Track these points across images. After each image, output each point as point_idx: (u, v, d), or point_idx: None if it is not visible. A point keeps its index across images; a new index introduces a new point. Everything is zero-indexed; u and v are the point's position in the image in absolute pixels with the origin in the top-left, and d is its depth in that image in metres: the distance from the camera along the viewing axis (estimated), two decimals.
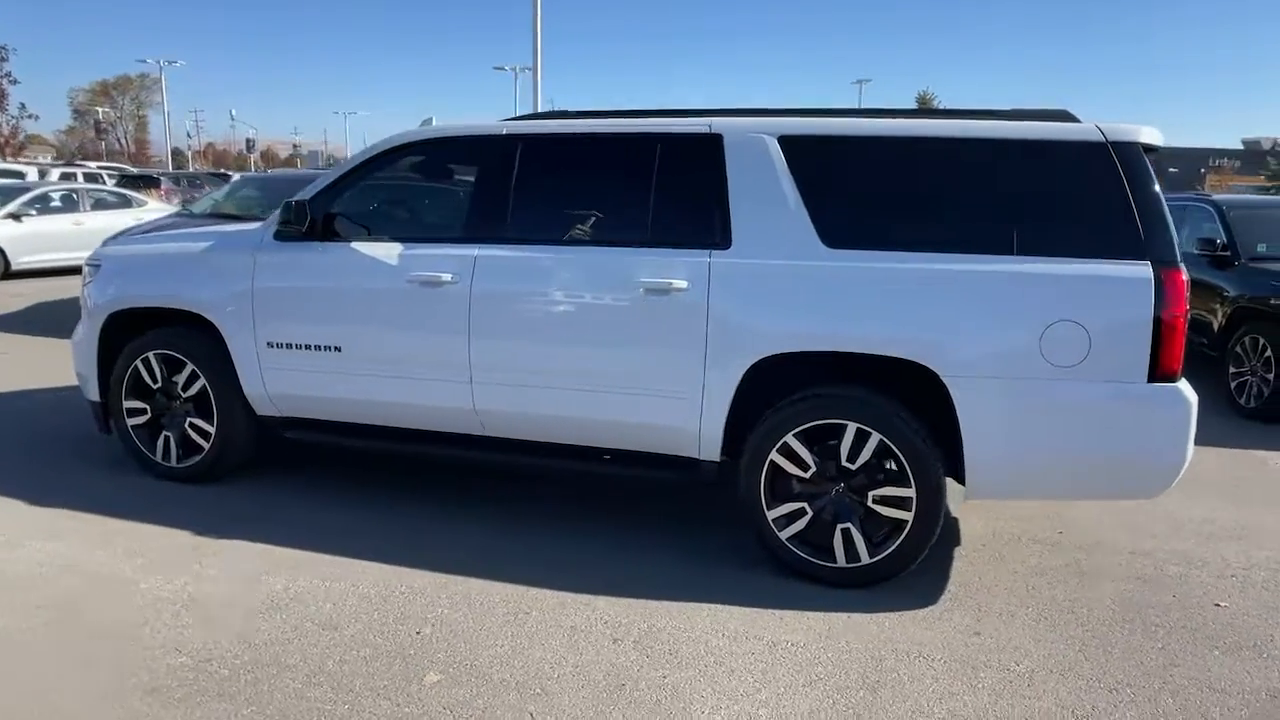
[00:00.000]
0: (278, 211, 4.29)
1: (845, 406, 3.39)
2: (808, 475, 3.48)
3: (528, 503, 4.35)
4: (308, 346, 4.12)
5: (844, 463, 3.42)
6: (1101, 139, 3.22)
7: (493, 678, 2.82)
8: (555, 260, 3.75)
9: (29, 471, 4.61)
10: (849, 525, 3.45)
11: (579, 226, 3.83)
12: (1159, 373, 3.10)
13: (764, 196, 3.51)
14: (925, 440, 3.32)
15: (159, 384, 4.46)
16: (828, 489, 3.48)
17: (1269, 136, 43.18)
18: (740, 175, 3.55)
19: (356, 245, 4.04)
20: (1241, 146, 40.69)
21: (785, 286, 3.44)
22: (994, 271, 3.23)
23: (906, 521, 3.38)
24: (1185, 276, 3.11)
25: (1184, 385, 3.13)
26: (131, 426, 4.53)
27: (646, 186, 3.70)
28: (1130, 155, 3.20)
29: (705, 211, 3.58)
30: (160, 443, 4.50)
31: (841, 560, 3.47)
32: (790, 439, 3.46)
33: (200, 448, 4.43)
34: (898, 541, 3.40)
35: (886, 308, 3.33)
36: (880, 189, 3.46)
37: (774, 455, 3.49)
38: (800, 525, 3.52)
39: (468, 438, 4.07)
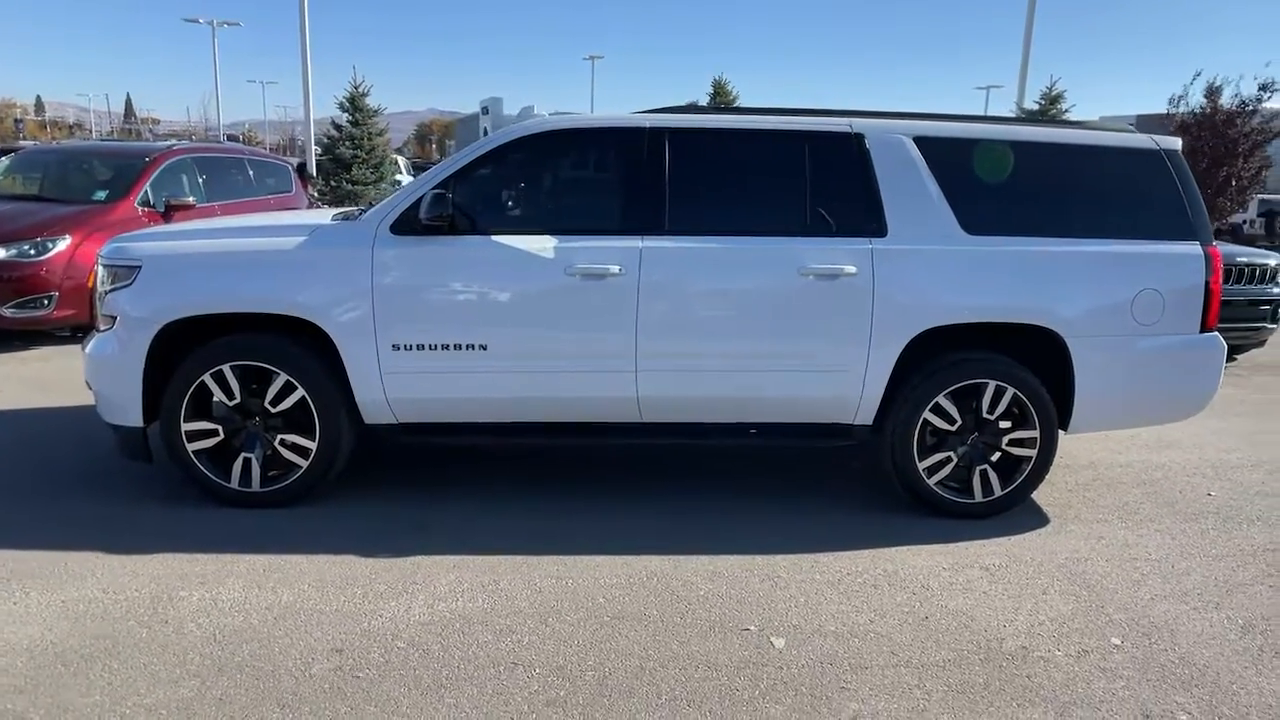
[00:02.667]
0: (389, 201, 4.00)
1: (987, 367, 4.05)
2: (954, 429, 4.10)
3: (650, 484, 4.53)
4: (445, 347, 3.93)
5: (984, 415, 4.09)
6: (1156, 147, 4.17)
7: (825, 630, 3.12)
8: (723, 250, 3.96)
9: (95, 513, 3.90)
10: (985, 467, 4.14)
11: (737, 217, 4.06)
12: (1206, 326, 4.12)
13: (910, 189, 4.03)
14: (1045, 390, 4.08)
15: (235, 400, 3.95)
16: (967, 438, 4.13)
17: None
18: (886, 170, 4.03)
19: (502, 238, 3.91)
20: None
21: (938, 268, 4.00)
22: (1098, 252, 4.05)
23: (1030, 458, 4.13)
24: (1219, 252, 4.15)
25: (1218, 334, 4.19)
26: (195, 452, 3.97)
27: (800, 179, 4.04)
28: (1176, 159, 4.17)
29: (859, 202, 4.02)
30: (237, 466, 3.99)
31: (979, 496, 4.15)
32: (941, 399, 4.05)
33: (294, 467, 4.02)
34: (1022, 477, 4.16)
35: (1019, 283, 4.02)
36: (1003, 183, 4.12)
37: (927, 414, 4.06)
38: (946, 471, 4.14)
39: (606, 425, 4.14)
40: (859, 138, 4.07)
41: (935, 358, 4.05)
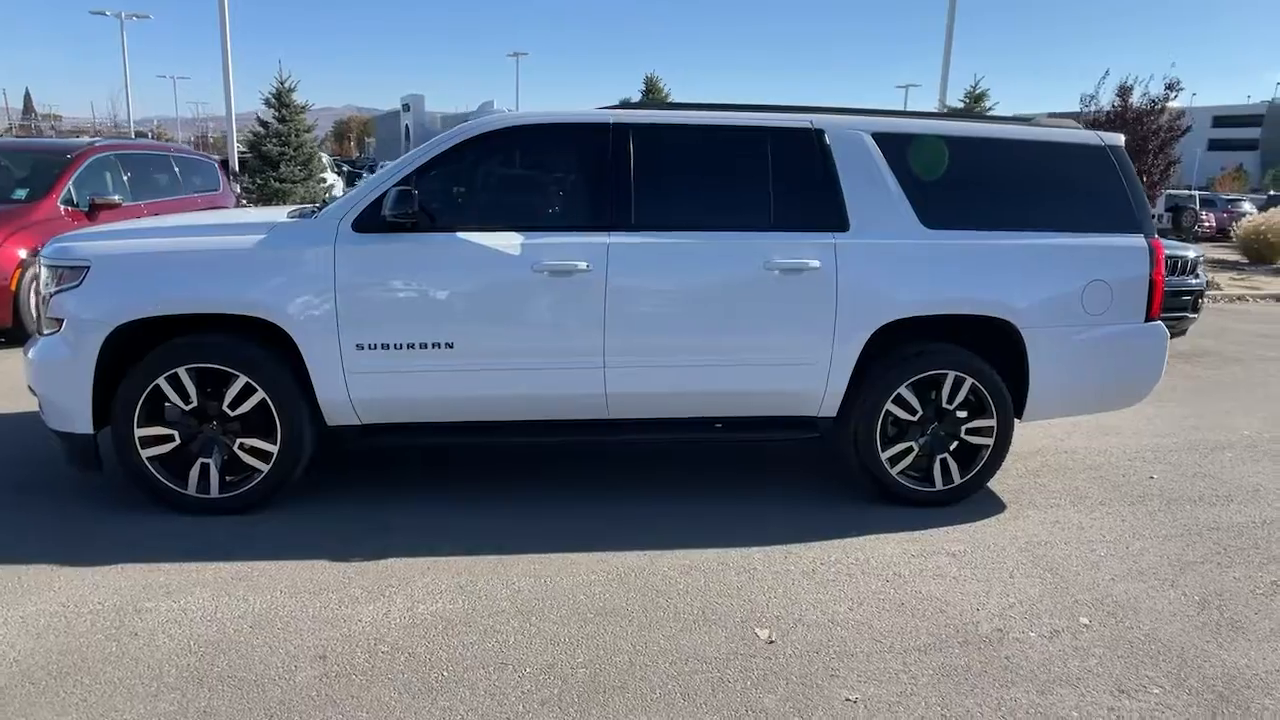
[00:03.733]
0: (348, 198, 3.91)
1: (947, 359, 4.17)
2: (915, 419, 4.21)
3: (630, 481, 4.53)
4: (410, 346, 3.85)
5: (944, 405, 4.21)
6: (1102, 143, 4.34)
7: (806, 619, 3.16)
8: (689, 245, 3.98)
9: (45, 524, 3.69)
10: (945, 455, 4.26)
11: (702, 212, 4.08)
12: (1150, 315, 4.32)
13: (870, 184, 4.11)
14: (1001, 380, 4.22)
15: (191, 404, 3.81)
16: (926, 428, 4.24)
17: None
18: (847, 165, 4.11)
19: (467, 235, 3.86)
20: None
21: (899, 262, 4.09)
22: (1050, 244, 4.20)
23: (987, 447, 4.27)
24: (1161, 244, 4.36)
25: (1161, 323, 4.39)
26: (149, 459, 3.81)
27: (763, 175, 4.09)
28: (1120, 155, 4.36)
29: (821, 197, 4.09)
30: (194, 473, 3.85)
31: (939, 484, 4.27)
32: (903, 389, 4.15)
33: (255, 471, 3.89)
34: (980, 464, 4.29)
35: (977, 276, 4.14)
36: (958, 178, 4.23)
37: (889, 405, 4.16)
38: (907, 461, 4.25)
39: (573, 422, 4.13)
40: (819, 133, 4.14)
41: (896, 350, 4.15)
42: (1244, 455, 5.32)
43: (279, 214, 4.27)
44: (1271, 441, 5.62)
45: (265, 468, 3.89)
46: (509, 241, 3.87)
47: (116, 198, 8.09)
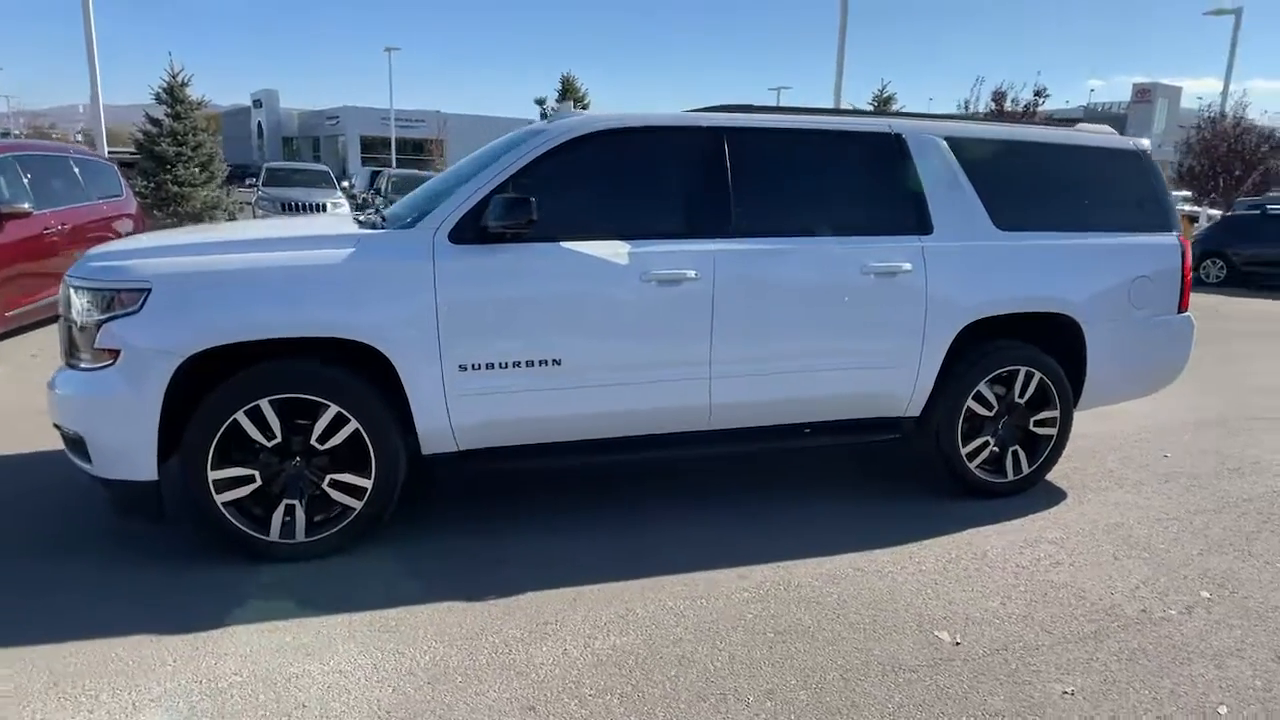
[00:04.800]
0: (443, 209, 3.62)
1: (1018, 354, 4.34)
2: (991, 414, 4.36)
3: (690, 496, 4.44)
4: (517, 364, 3.62)
5: (1016, 399, 4.38)
6: (1137, 148, 4.65)
7: (972, 617, 3.21)
8: (790, 251, 3.95)
9: (116, 582, 3.18)
10: (1016, 448, 4.44)
11: (797, 217, 4.05)
12: (1181, 307, 4.67)
13: (949, 188, 4.22)
14: (1063, 372, 4.45)
15: (274, 439, 3.42)
16: (999, 422, 4.41)
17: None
18: (927, 169, 4.20)
19: (572, 244, 3.66)
20: None
21: (980, 262, 4.22)
22: (1102, 244, 4.46)
23: (1051, 437, 4.49)
24: (1188, 241, 4.71)
25: (1190, 314, 4.74)
26: (225, 504, 3.40)
27: (853, 179, 4.13)
28: (1149, 158, 4.69)
29: (907, 201, 4.16)
30: (277, 516, 3.46)
31: (1010, 475, 4.45)
32: (982, 386, 4.30)
33: (346, 510, 3.54)
34: (1045, 454, 4.50)
35: (1046, 275, 4.34)
36: (1021, 181, 4.41)
37: (970, 402, 4.29)
38: (985, 455, 4.39)
39: (674, 437, 4.01)
40: (899, 138, 4.21)
41: (975, 348, 4.28)
42: (1227, 430, 5.85)
43: (342, 223, 3.89)
44: (1239, 419, 6.21)
45: (358, 505, 3.55)
46: (616, 251, 3.71)
47: (26, 205, 7.16)
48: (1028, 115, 17.45)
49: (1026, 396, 4.40)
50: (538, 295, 3.63)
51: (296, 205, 16.02)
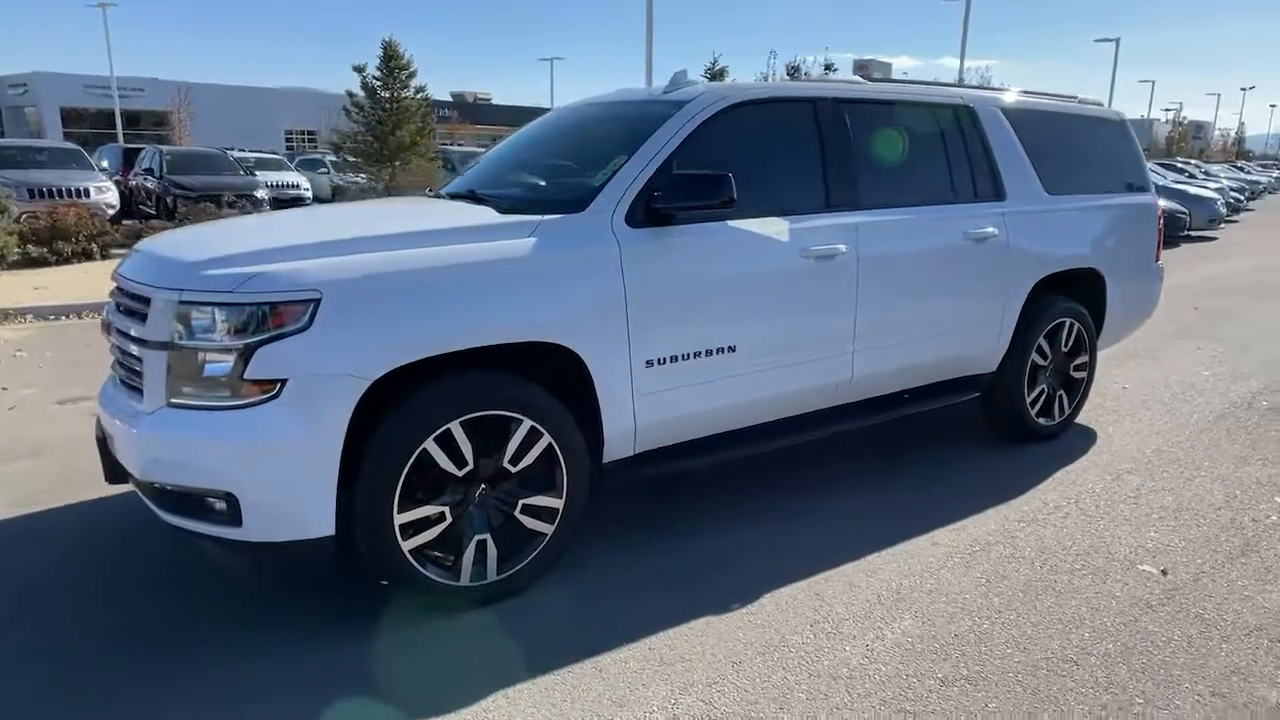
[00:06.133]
0: (612, 188, 3.24)
1: (1065, 307, 4.73)
2: (1046, 363, 4.73)
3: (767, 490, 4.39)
4: (698, 354, 3.36)
5: (1063, 350, 4.78)
6: (1121, 117, 5.20)
7: (1150, 549, 3.50)
8: (910, 222, 3.99)
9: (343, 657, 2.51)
10: (1061, 392, 4.86)
11: (907, 188, 4.08)
12: (1157, 257, 5.32)
13: (1013, 156, 4.47)
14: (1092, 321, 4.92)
15: (466, 467, 2.92)
16: (1049, 370, 4.79)
17: (471, 90, 53.05)
18: (996, 138, 4.42)
19: (737, 223, 3.43)
20: (451, 98, 48.59)
21: (1042, 225, 4.53)
22: (1112, 203, 4.96)
23: (1084, 380, 4.96)
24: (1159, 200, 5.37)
25: (1161, 263, 5.41)
26: (412, 551, 2.86)
27: (946, 149, 4.23)
28: (1129, 126, 5.26)
29: (985, 169, 4.35)
30: (468, 556, 2.97)
31: (1057, 418, 4.87)
32: (1041, 339, 4.64)
33: (537, 537, 3.11)
34: (1079, 395, 4.97)
35: (1084, 234, 4.75)
36: (1056, 149, 4.75)
37: (1033, 355, 4.62)
38: (1041, 401, 4.76)
39: (814, 415, 3.93)
40: (971, 109, 4.38)
41: (1035, 305, 4.60)
42: (1146, 363, 6.77)
43: (476, 210, 3.33)
44: (1145, 351, 7.21)
45: (549, 529, 3.12)
46: (777, 227, 3.53)
47: None
48: None
49: (1070, 345, 4.82)
50: (712, 279, 3.38)
51: (55, 191, 13.46)
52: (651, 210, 3.22)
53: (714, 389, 3.44)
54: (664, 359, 3.27)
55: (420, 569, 2.87)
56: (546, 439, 3.04)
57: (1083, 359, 4.92)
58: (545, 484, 3.10)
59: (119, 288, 3.09)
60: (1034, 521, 3.79)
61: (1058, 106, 4.94)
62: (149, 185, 17.80)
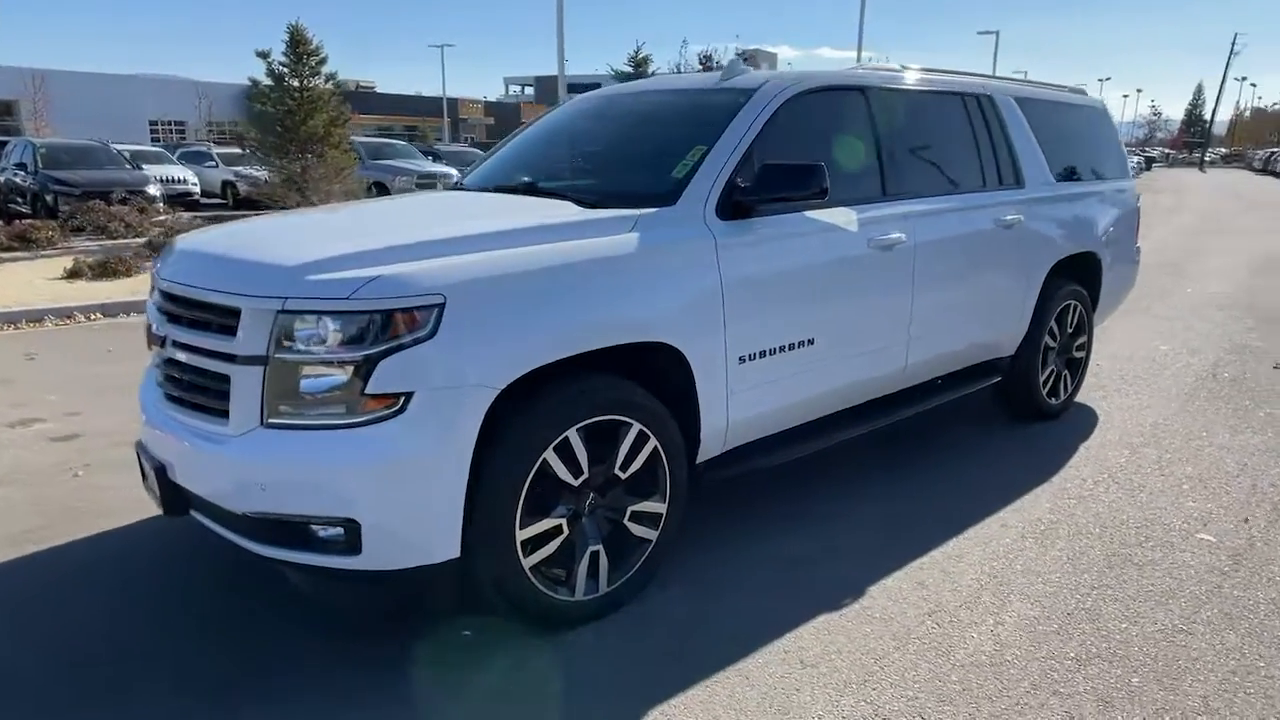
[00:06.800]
0: (701, 178, 3.14)
1: (1070, 290, 4.92)
2: (1055, 344, 4.92)
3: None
4: (781, 349, 3.31)
5: (1068, 331, 4.98)
6: (1103, 106, 5.44)
7: (1200, 519, 3.69)
8: (953, 210, 4.05)
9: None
10: (1065, 372, 5.07)
11: (943, 176, 4.13)
12: (1135, 240, 5.62)
13: (1027, 144, 4.61)
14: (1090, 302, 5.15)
15: (582, 476, 2.78)
16: (1057, 351, 4.98)
17: (353, 79, 51.24)
18: (1013, 126, 4.54)
19: (813, 213, 3.39)
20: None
21: (1056, 211, 4.69)
22: (1104, 189, 5.19)
23: (1083, 359, 5.19)
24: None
25: (1138, 245, 5.71)
26: (532, 568, 2.70)
27: (970, 136, 4.31)
28: (1110, 114, 5.51)
29: (1007, 157, 4.46)
30: (582, 569, 2.83)
31: (1061, 396, 5.07)
32: (1053, 322, 4.82)
33: (643, 544, 3.00)
34: (1081, 373, 5.20)
35: (1087, 221, 4.95)
36: (1057, 137, 4.92)
37: (1046, 338, 4.79)
38: (1051, 381, 4.95)
39: (867, 405, 3.95)
40: (991, 98, 4.48)
41: (1048, 289, 4.76)
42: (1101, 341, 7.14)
43: (559, 205, 3.14)
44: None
45: (654, 535, 3.01)
46: (847, 218, 3.52)
47: None
48: None
49: (1074, 326, 5.02)
50: (795, 271, 3.33)
51: None
52: (735, 202, 3.14)
53: (795, 383, 3.40)
54: (754, 354, 3.20)
55: (540, 587, 2.71)
56: (653, 442, 2.92)
57: (1083, 339, 5.14)
58: (650, 489, 2.98)
59: (170, 294, 2.78)
60: (1082, 498, 3.93)
61: (1053, 95, 5.13)
62: (20, 181, 16.29)
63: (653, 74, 19.41)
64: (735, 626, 2.85)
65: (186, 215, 15.53)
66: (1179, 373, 6.08)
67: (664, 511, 3.01)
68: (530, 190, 3.52)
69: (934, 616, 2.94)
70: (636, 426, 2.86)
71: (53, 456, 4.39)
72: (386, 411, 2.39)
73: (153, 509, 2.90)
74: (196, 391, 2.66)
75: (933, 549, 3.42)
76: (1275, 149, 59.53)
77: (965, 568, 3.28)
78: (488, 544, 2.57)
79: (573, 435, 2.69)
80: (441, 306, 2.41)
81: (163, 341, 2.78)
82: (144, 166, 18.47)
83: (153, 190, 16.22)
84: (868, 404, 3.92)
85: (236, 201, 19.83)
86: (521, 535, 2.63)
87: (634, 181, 3.38)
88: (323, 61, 13.97)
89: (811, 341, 3.41)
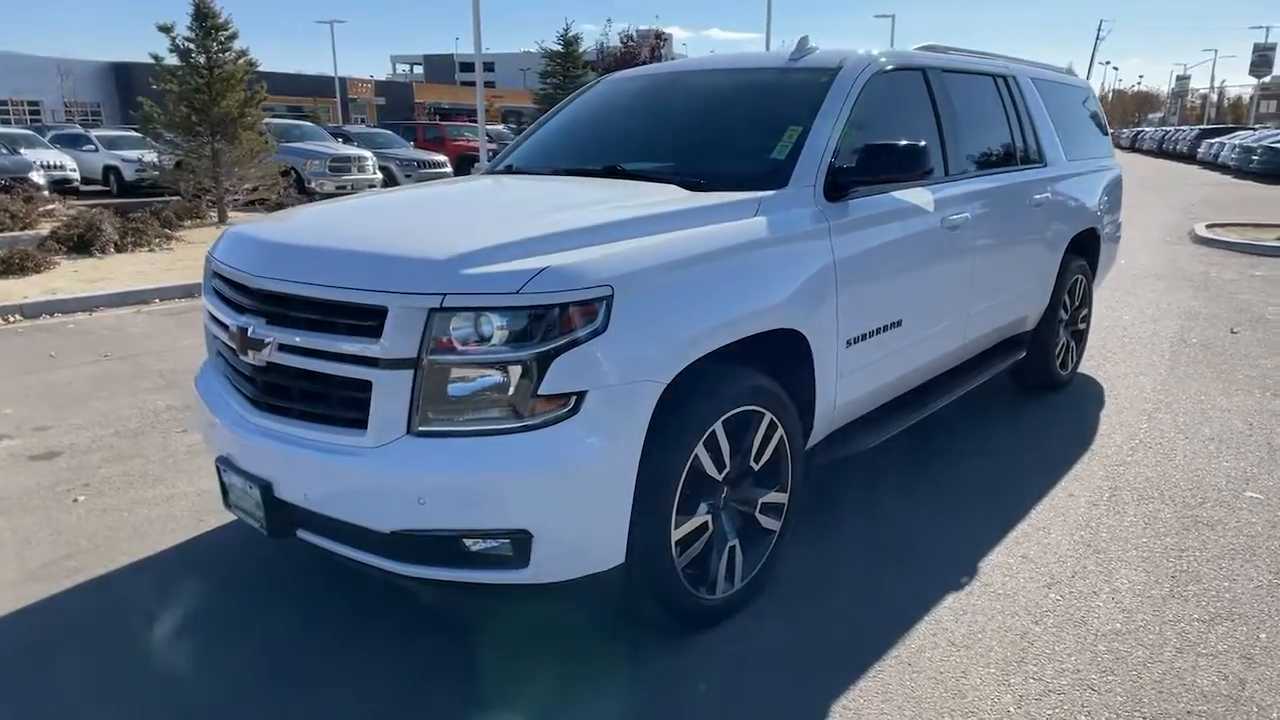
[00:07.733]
0: (807, 158, 3.08)
1: (1077, 266, 5.11)
2: (1066, 317, 5.11)
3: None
4: (878, 331, 3.30)
5: (1076, 303, 5.18)
6: (1086, 84, 5.66)
7: (1246, 477, 3.91)
8: (1000, 188, 4.12)
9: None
10: (1071, 342, 5.28)
11: (989, 155, 4.19)
12: (1119, 218, 5.89)
13: (1044, 123, 4.74)
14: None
15: (725, 469, 2.69)
16: (1065, 323, 5.17)
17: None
18: (1033, 106, 4.66)
19: (899, 193, 3.38)
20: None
21: (1073, 188, 4.85)
22: (1100, 166, 5.40)
23: (1085, 330, 5.42)
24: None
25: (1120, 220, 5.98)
26: (685, 568, 2.61)
27: (1002, 116, 4.40)
28: (1093, 92, 5.74)
29: (1030, 136, 4.57)
30: (721, 564, 2.75)
31: (1070, 366, 5.29)
32: (1065, 295, 5.00)
33: (768, 535, 2.94)
34: (1083, 346, 5.43)
35: (1092, 197, 5.14)
36: (1063, 117, 5.08)
37: (1061, 311, 4.97)
38: (1062, 352, 5.15)
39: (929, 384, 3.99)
40: (1015, 79, 4.58)
41: (1064, 264, 4.93)
42: None
43: (666, 188, 3.00)
44: None
45: (778, 525, 2.96)
46: (925, 199, 3.52)
47: None
48: (655, 58, 18.96)
49: (1080, 299, 5.23)
50: (889, 252, 3.31)
51: None
52: (836, 183, 3.10)
53: (886, 364, 3.41)
54: (859, 337, 3.18)
55: (689, 587, 2.62)
56: (780, 431, 2.86)
57: (1085, 310, 5.36)
58: (774, 479, 2.92)
59: (263, 292, 2.51)
60: (1126, 464, 4.10)
61: (1054, 76, 5.29)
62: None
63: (583, 53, 19.22)
64: (871, 614, 2.84)
65: (81, 204, 14.29)
66: (1151, 341, 6.43)
67: (785, 502, 2.96)
68: (613, 173, 3.36)
69: (1053, 588, 3.00)
70: (769, 416, 2.79)
71: (38, 478, 3.95)
72: (560, 413, 2.23)
73: (190, 528, 2.64)
74: (314, 400, 2.42)
75: (1018, 522, 3.49)
76: (1140, 128, 64.07)
77: (1057, 538, 3.36)
78: (647, 546, 2.45)
79: (718, 428, 2.60)
80: (610, 298, 2.27)
81: (260, 345, 2.51)
82: (22, 151, 16.90)
83: (37, 178, 14.89)
84: (929, 383, 3.97)
85: (122, 188, 18.42)
86: (676, 535, 2.53)
87: (735, 163, 3.27)
88: (233, 37, 13.06)
89: (899, 323, 3.41)
